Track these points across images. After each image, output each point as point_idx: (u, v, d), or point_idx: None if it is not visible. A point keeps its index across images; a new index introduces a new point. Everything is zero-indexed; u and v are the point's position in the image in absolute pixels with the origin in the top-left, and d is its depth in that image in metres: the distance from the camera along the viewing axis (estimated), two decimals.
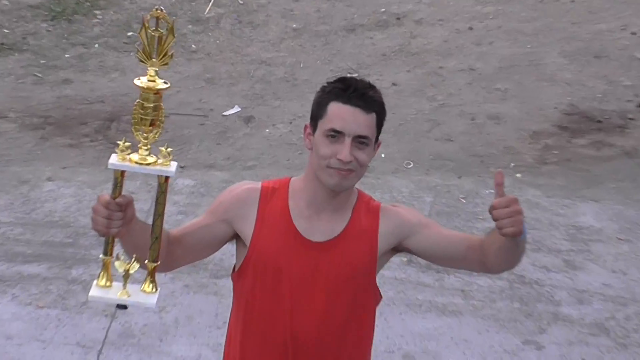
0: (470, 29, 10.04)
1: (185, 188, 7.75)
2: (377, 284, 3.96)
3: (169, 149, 3.53)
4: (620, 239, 7.38)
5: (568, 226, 7.50)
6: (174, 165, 3.53)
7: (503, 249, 3.71)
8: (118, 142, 3.55)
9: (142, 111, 3.51)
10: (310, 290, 3.90)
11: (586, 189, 7.96)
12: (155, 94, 3.47)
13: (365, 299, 3.98)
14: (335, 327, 3.95)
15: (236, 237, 3.97)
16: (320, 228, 3.91)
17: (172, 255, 3.83)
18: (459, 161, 8.26)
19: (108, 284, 3.64)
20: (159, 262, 3.63)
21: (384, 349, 6.30)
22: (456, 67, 9.49)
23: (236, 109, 8.94)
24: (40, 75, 9.32)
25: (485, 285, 6.86)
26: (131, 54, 9.59)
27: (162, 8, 3.37)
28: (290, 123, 8.73)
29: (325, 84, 3.83)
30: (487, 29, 10.04)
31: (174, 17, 3.70)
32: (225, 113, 8.90)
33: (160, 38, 3.45)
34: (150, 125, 3.52)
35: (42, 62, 9.50)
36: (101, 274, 3.63)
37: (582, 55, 9.62)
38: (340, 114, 3.73)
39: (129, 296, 3.61)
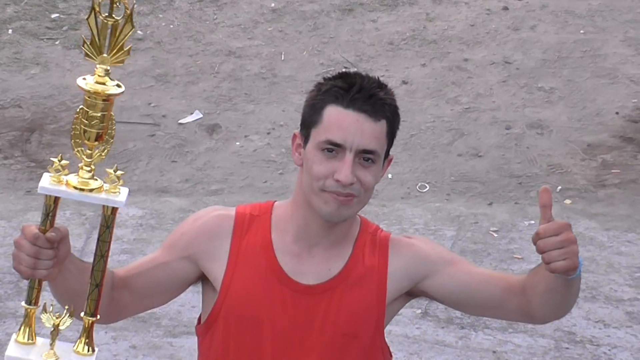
0: (506, 8, 10.12)
1: (131, 220, 7.84)
2: (386, 340, 3.91)
3: (119, 172, 3.42)
4: None
5: (633, 268, 7.62)
6: (124, 193, 3.39)
7: (552, 291, 3.69)
8: (52, 158, 3.52)
9: (85, 121, 3.43)
10: (299, 348, 3.86)
11: None
12: (104, 100, 3.45)
13: (367, 354, 3.93)
14: None
15: (202, 278, 3.91)
16: (312, 268, 3.85)
17: (117, 302, 3.80)
18: (490, 183, 8.39)
19: (31, 340, 3.56)
20: (98, 317, 3.56)
21: None
22: (486, 60, 9.56)
23: (196, 116, 9.08)
24: None
25: (524, 344, 6.99)
26: (56, 42, 9.63)
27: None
28: (268, 134, 8.79)
29: (322, 81, 3.78)
30: (528, 8, 10.11)
31: (134, 1, 3.66)
32: (182, 121, 9.04)
33: (114, 27, 3.48)
34: (95, 140, 3.47)
35: None
36: (22, 327, 3.57)
37: None
38: (340, 121, 3.69)
39: (57, 358, 3.57)
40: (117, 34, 3.43)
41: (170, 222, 7.64)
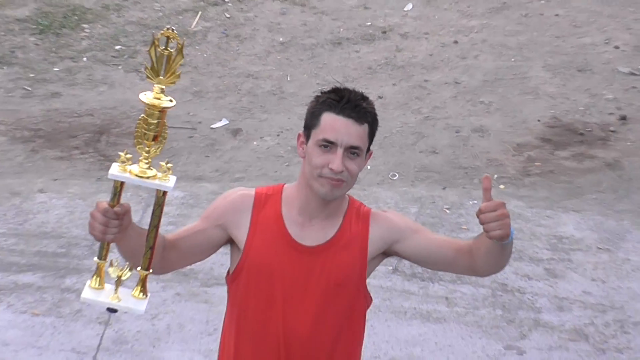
0: (456, 42, 10.09)
1: (175, 200, 7.80)
2: (368, 288, 3.98)
3: (169, 164, 3.57)
4: (600, 248, 7.49)
5: (549, 236, 7.62)
6: (172, 180, 3.56)
7: (490, 253, 3.76)
8: (119, 153, 3.59)
9: (145, 126, 3.55)
10: (302, 293, 3.91)
11: (568, 200, 8.06)
12: (159, 111, 3.54)
13: (356, 302, 4.00)
14: (327, 330, 3.95)
15: (230, 241, 3.97)
16: (312, 233, 3.92)
17: (167, 259, 3.87)
18: (444, 173, 8.36)
19: (100, 286, 3.68)
20: (150, 271, 3.69)
21: (370, 355, 6.42)
22: (441, 81, 9.55)
23: (224, 122, 9.03)
24: (29, 88, 9.39)
25: (468, 292, 6.98)
26: (119, 67, 9.61)
27: (173, 28, 3.52)
28: (278, 136, 8.78)
29: (320, 94, 3.85)
30: (472, 42, 10.08)
31: (186, 40, 3.75)
32: (213, 126, 8.99)
33: (169, 57, 3.53)
34: (152, 140, 3.57)
35: (31, 75, 9.55)
36: (94, 277, 3.70)
37: (566, 69, 9.68)
38: (333, 124, 3.77)
39: (119, 300, 3.69)
40: (171, 62, 3.53)
41: (205, 201, 7.61)
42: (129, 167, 3.59)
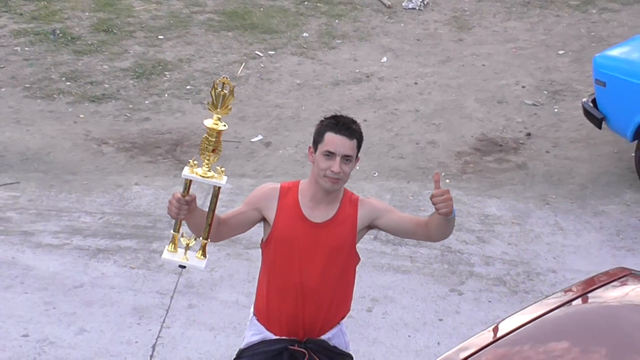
0: (416, 83, 10.07)
1: (226, 190, 7.79)
2: (357, 251, 4.14)
3: (223, 169, 3.82)
4: (513, 222, 7.46)
5: (479, 215, 7.57)
6: (225, 179, 3.81)
7: (440, 225, 3.94)
8: (189, 160, 3.84)
9: (207, 142, 3.76)
10: (312, 255, 4.03)
11: (491, 190, 8.01)
12: (217, 133, 3.74)
13: (349, 261, 4.12)
14: (330, 280, 4.06)
15: (263, 219, 4.08)
16: (319, 214, 4.04)
17: (220, 232, 4.02)
18: (408, 172, 8.29)
19: (174, 250, 3.93)
20: (209, 240, 3.89)
21: (359, 296, 6.39)
22: (406, 109, 9.49)
23: (259, 137, 8.95)
24: (128, 115, 9.34)
25: (425, 253, 6.96)
26: (189, 100, 9.61)
27: (227, 76, 3.65)
28: (296, 147, 8.73)
29: (323, 119, 4.01)
30: (427, 83, 10.07)
31: (235, 84, 3.81)
32: (252, 140, 8.91)
33: (224, 96, 3.69)
34: (211, 152, 3.77)
35: (130, 106, 9.50)
36: (170, 243, 3.93)
37: (490, 101, 9.64)
38: (333, 140, 3.90)
39: (187, 260, 3.92)
40: (225, 100, 3.72)
41: (246, 191, 7.56)
42: (195, 170, 3.78)
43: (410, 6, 12.23)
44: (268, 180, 7.99)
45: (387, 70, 10.42)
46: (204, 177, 3.80)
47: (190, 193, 3.82)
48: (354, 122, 3.99)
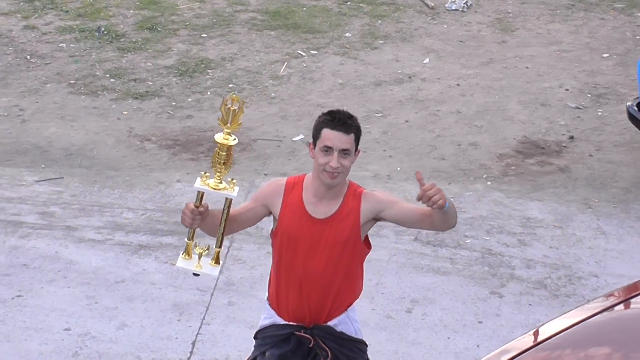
0: (458, 85, 10.02)
1: None
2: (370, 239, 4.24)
3: (234, 180, 3.96)
4: (555, 226, 7.40)
5: (521, 217, 7.51)
6: (236, 190, 3.95)
7: (439, 217, 3.93)
8: (200, 172, 3.98)
9: (218, 156, 3.88)
10: (316, 249, 4.12)
11: (533, 192, 7.95)
12: (227, 147, 3.86)
13: (354, 255, 4.18)
14: (334, 272, 4.15)
15: (271, 213, 4.24)
16: (321, 209, 4.12)
17: (231, 228, 4.16)
18: (449, 173, 8.26)
19: (188, 258, 4.09)
20: (222, 248, 4.05)
21: (398, 296, 6.43)
22: (448, 110, 9.45)
23: (301, 136, 8.94)
24: (171, 112, 9.37)
25: (465, 255, 6.94)
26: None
27: (237, 93, 3.76)
28: None
29: (320, 115, 4.10)
30: (469, 85, 10.01)
31: (245, 101, 3.86)
32: (293, 139, 8.91)
33: (234, 112, 3.82)
34: (223, 165, 3.88)
35: (173, 104, 9.54)
36: (184, 252, 4.08)
37: (533, 104, 9.57)
38: (330, 136, 3.97)
39: (201, 268, 4.05)
40: (235, 115, 3.85)
41: None
42: (207, 181, 3.91)
43: (453, 7, 12.19)
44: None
45: (429, 71, 10.38)
46: (215, 189, 3.92)
47: (203, 203, 3.97)
48: (350, 116, 4.05)
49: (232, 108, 3.82)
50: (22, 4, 11.81)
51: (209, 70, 10.26)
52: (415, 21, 11.80)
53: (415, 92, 9.82)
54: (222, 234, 4.01)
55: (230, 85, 9.88)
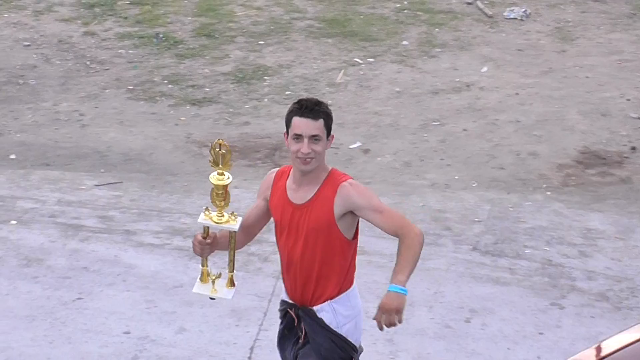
0: (517, 94, 9.97)
1: None
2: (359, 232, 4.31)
3: (235, 214, 4.20)
4: (617, 237, 7.35)
5: (582, 228, 7.46)
6: (239, 222, 4.19)
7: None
8: (202, 209, 4.23)
9: (215, 196, 4.14)
10: (295, 234, 4.26)
11: (594, 203, 7.90)
12: (223, 186, 4.10)
13: (331, 240, 4.25)
14: (312, 257, 4.25)
15: None
16: (299, 195, 4.24)
17: (250, 233, 4.50)
18: (508, 183, 8.22)
19: (205, 282, 4.34)
20: (234, 272, 4.37)
21: (457, 306, 6.42)
22: (507, 120, 9.40)
23: (358, 144, 8.96)
24: (229, 119, 9.45)
25: (525, 265, 6.90)
26: (288, 105, 9.63)
27: (223, 139, 4.00)
28: (394, 154, 8.72)
29: (290, 106, 4.23)
30: (528, 94, 9.95)
31: (231, 146, 4.24)
32: (351, 146, 8.93)
33: (223, 155, 4.06)
34: (222, 201, 4.13)
35: (230, 110, 9.61)
36: (200, 277, 4.34)
37: (593, 114, 9.49)
38: (299, 124, 4.10)
39: (216, 292, 4.32)
40: (225, 158, 4.08)
41: None
42: (210, 215, 4.17)
43: (511, 16, 12.13)
44: (367, 181, 8.02)
45: (487, 80, 10.33)
46: (218, 223, 4.18)
47: (210, 234, 4.26)
48: (318, 103, 4.16)
49: (220, 152, 4.04)
50: (82, 10, 11.96)
51: (266, 77, 10.31)
52: (473, 29, 11.75)
53: (474, 101, 9.79)
54: (233, 260, 4.33)
55: (287, 92, 9.92)
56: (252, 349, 5.95)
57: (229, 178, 4.12)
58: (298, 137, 4.11)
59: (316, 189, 4.20)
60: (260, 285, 6.57)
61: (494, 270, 6.82)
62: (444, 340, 6.05)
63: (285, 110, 9.28)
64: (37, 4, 12.06)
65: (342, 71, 10.51)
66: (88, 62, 10.65)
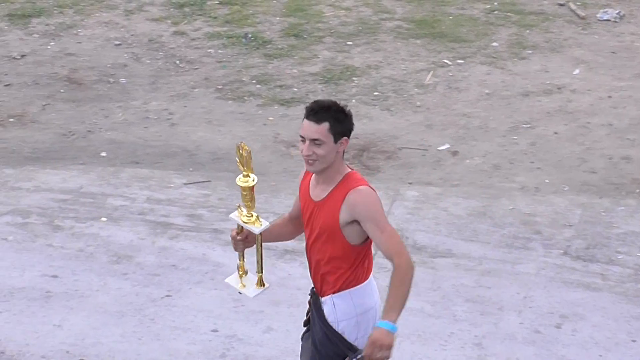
0: (610, 97, 9.84)
1: (412, 197, 7.85)
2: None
3: (260, 218, 4.44)
4: None
5: None
6: (263, 226, 4.43)
7: None
8: (236, 205, 4.54)
9: (243, 198, 4.39)
10: (311, 228, 4.39)
11: None
12: (249, 188, 4.33)
13: (331, 242, 4.32)
14: (321, 253, 4.38)
15: None
16: (317, 192, 4.33)
17: (297, 224, 4.60)
18: (600, 187, 8.12)
19: (241, 274, 4.62)
20: (263, 273, 4.58)
21: (547, 311, 6.36)
22: (599, 123, 9.28)
23: (446, 146, 8.91)
24: None
25: (617, 271, 6.80)
26: (376, 107, 9.63)
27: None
28: (483, 157, 8.68)
29: None
30: (621, 97, 9.81)
31: (249, 149, 4.42)
32: (439, 148, 8.88)
33: (246, 158, 4.30)
34: (249, 202, 4.37)
35: None
36: (237, 272, 4.64)
37: None
38: (304, 125, 4.20)
39: (243, 287, 4.62)
40: (247, 161, 4.35)
41: (432, 200, 7.59)
42: (241, 212, 4.43)
43: (605, 17, 11.94)
44: (454, 189, 8.00)
45: (579, 82, 10.19)
46: (244, 222, 4.43)
47: (245, 231, 4.51)
48: (328, 107, 4.22)
49: (243, 154, 4.26)
50: (172, 10, 12.12)
51: (354, 78, 10.32)
52: (565, 31, 11.60)
53: (565, 104, 9.67)
54: (260, 262, 4.53)
55: (375, 93, 9.91)
56: None
57: (253, 180, 4.32)
58: (302, 138, 4.21)
59: (330, 190, 4.27)
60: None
61: (585, 276, 6.73)
62: (534, 346, 5.99)
63: (373, 111, 9.37)
64: (128, 4, 12.27)
65: (431, 72, 10.47)
66: (177, 62, 10.79)
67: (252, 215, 4.39)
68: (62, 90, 10.14)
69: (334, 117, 4.17)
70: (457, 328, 6.16)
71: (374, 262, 4.53)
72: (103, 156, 8.77)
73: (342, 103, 4.34)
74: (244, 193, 4.33)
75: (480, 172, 8.39)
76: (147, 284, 6.67)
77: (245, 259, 4.61)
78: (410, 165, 8.53)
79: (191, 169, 8.45)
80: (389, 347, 4.07)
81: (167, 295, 6.53)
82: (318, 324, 4.48)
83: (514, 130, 9.12)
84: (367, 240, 4.33)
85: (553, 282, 6.64)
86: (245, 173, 4.31)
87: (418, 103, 9.71)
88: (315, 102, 4.26)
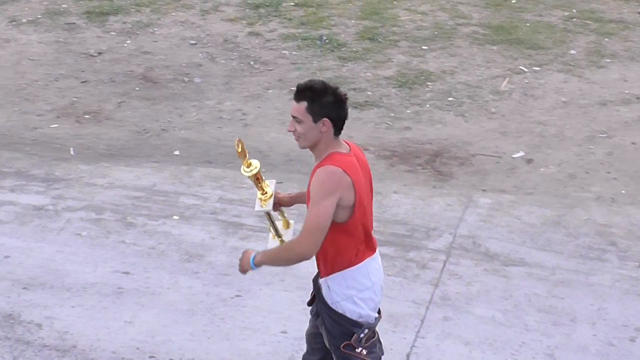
0: None
1: (485, 204, 7.78)
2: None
3: (270, 195, 4.76)
4: None
5: None
6: (268, 206, 4.74)
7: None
8: (260, 191, 4.82)
9: (253, 183, 4.71)
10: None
11: None
12: (254, 176, 4.64)
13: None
14: None
15: None
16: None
17: None
18: None
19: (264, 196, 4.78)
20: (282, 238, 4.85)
21: (621, 323, 6.25)
22: None
23: (521, 154, 8.84)
24: (390, 123, 9.47)
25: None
26: (450, 112, 9.60)
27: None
28: (559, 165, 8.59)
29: None
30: None
31: (243, 142, 4.65)
32: (513, 156, 8.82)
33: (241, 152, 4.53)
34: (259, 184, 4.71)
35: (391, 115, 9.64)
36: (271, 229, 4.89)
37: None
38: (292, 105, 4.34)
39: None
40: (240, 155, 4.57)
41: (505, 208, 7.49)
42: (262, 199, 4.76)
43: None
44: (528, 198, 7.93)
45: None
46: (259, 198, 4.78)
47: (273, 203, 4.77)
48: (310, 87, 4.27)
49: (238, 149, 4.50)
50: (247, 11, 12.22)
51: (428, 83, 10.29)
52: None
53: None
54: (275, 229, 4.90)
55: (450, 99, 9.87)
56: (408, 355, 5.94)
57: (255, 168, 4.62)
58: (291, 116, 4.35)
59: (314, 166, 4.35)
60: (417, 292, 6.56)
61: None
62: (607, 359, 5.91)
63: (447, 116, 9.33)
64: (204, 4, 12.40)
65: (507, 79, 10.39)
66: (252, 62, 10.87)
67: (266, 193, 4.70)
68: (137, 88, 10.28)
69: (311, 98, 4.24)
70: (528, 338, 6.10)
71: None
72: (176, 155, 8.86)
73: (337, 88, 4.38)
74: (251, 181, 4.63)
75: (555, 181, 8.30)
76: (217, 283, 6.72)
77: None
78: (484, 172, 8.47)
79: (263, 170, 8.40)
80: (244, 271, 4.49)
81: (238, 296, 6.57)
82: (322, 308, 4.56)
83: (591, 139, 9.01)
84: (351, 218, 4.34)
85: (628, 295, 6.53)
86: (247, 163, 4.60)
87: (493, 109, 9.65)
88: (305, 81, 4.35)
